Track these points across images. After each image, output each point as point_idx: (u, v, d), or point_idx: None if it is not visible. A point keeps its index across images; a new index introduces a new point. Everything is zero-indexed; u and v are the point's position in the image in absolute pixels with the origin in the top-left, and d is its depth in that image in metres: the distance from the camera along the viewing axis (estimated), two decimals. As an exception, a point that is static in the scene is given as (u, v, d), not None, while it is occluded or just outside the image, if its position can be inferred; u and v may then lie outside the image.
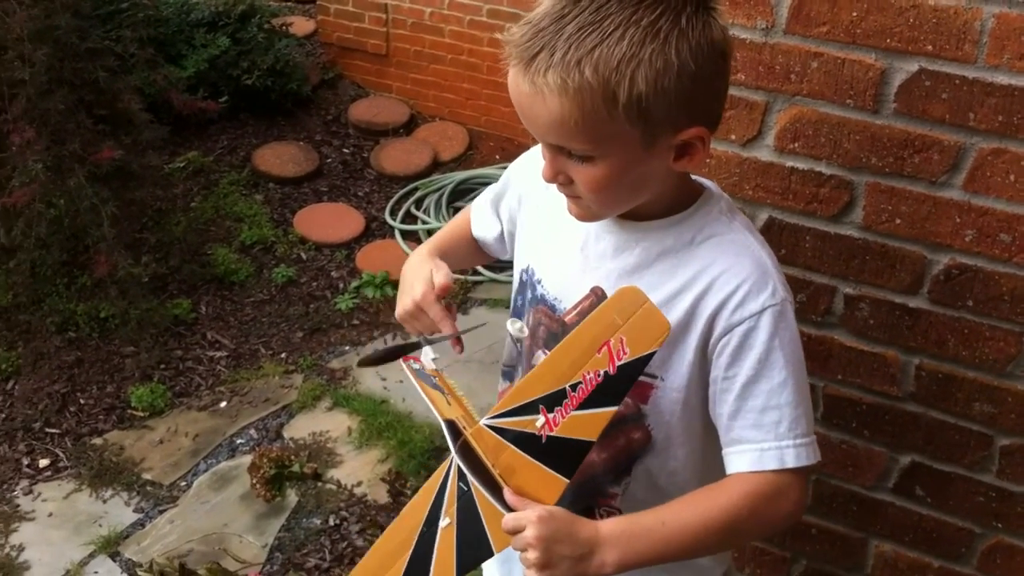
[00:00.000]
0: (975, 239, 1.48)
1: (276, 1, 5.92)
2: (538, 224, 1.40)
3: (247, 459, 3.30)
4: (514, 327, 1.37)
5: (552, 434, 1.17)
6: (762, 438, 1.22)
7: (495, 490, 1.19)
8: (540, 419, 1.17)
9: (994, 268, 1.49)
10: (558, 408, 1.17)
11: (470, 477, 1.18)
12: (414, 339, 1.35)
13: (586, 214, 1.26)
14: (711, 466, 1.31)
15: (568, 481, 1.18)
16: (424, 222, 4.66)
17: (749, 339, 1.22)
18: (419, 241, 4.57)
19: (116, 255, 3.60)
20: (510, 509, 1.19)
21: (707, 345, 1.25)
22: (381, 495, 3.21)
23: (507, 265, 1.83)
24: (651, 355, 1.16)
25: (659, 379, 1.27)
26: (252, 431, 3.52)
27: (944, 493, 1.67)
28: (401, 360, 1.35)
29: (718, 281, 1.23)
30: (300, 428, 3.54)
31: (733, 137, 1.57)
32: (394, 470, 3.27)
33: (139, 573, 2.63)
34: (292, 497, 3.22)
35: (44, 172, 3.45)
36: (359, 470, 3.36)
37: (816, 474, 1.74)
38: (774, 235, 1.59)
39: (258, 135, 5.11)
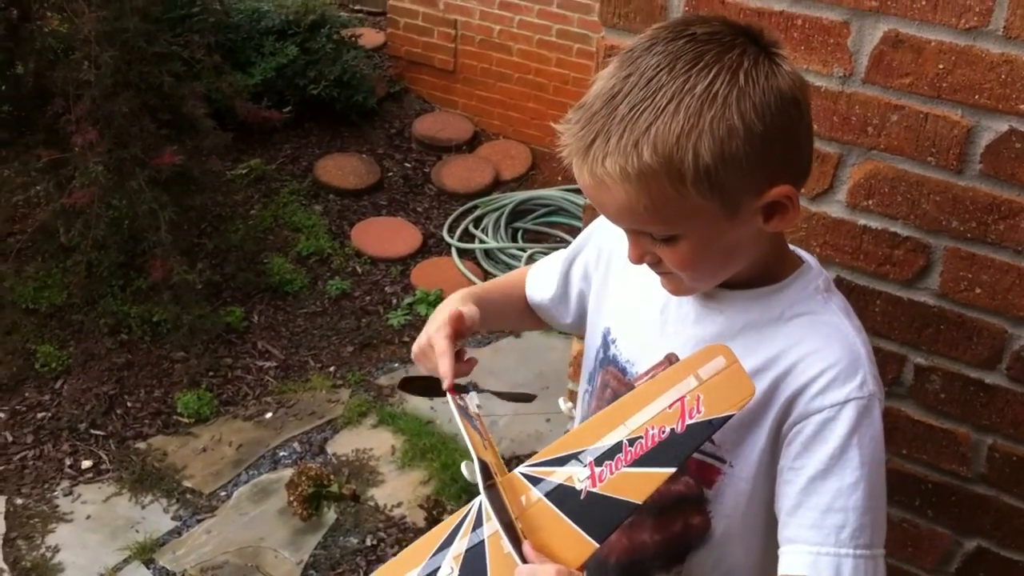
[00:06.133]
0: (1063, 315, 1.37)
1: (347, 12, 5.93)
2: (622, 284, 1.32)
3: (288, 472, 3.28)
4: (564, 407, 1.30)
5: (594, 490, 1.06)
6: (820, 541, 1.10)
7: (515, 542, 1.07)
8: (585, 471, 1.07)
9: (1082, 347, 1.38)
10: (608, 462, 1.06)
11: (495, 520, 1.07)
12: (462, 382, 1.27)
13: (681, 289, 1.18)
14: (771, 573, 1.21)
15: (598, 545, 1.07)
16: (482, 241, 4.61)
17: (825, 430, 1.10)
18: (475, 260, 4.52)
19: (172, 260, 3.60)
20: (526, 561, 1.07)
21: (780, 430, 1.15)
22: (420, 518, 3.15)
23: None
24: (726, 418, 1.06)
25: (728, 464, 1.18)
26: (296, 444, 3.50)
27: (1010, 581, 1.55)
28: (448, 395, 1.24)
29: (802, 363, 1.13)
30: (344, 444, 3.50)
31: (802, 190, 1.48)
32: (433, 495, 3.21)
33: (170, 586, 2.60)
34: (331, 514, 3.18)
35: (104, 174, 3.46)
36: (400, 491, 3.31)
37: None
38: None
39: (321, 145, 5.12)
